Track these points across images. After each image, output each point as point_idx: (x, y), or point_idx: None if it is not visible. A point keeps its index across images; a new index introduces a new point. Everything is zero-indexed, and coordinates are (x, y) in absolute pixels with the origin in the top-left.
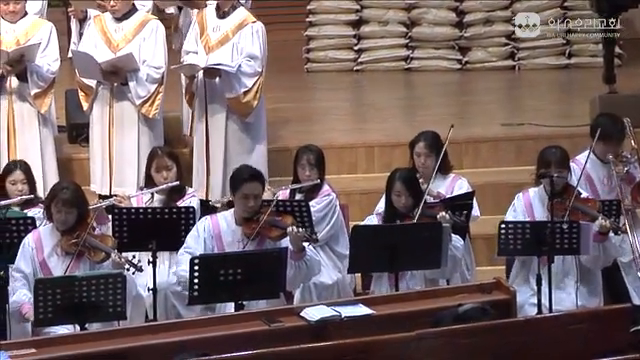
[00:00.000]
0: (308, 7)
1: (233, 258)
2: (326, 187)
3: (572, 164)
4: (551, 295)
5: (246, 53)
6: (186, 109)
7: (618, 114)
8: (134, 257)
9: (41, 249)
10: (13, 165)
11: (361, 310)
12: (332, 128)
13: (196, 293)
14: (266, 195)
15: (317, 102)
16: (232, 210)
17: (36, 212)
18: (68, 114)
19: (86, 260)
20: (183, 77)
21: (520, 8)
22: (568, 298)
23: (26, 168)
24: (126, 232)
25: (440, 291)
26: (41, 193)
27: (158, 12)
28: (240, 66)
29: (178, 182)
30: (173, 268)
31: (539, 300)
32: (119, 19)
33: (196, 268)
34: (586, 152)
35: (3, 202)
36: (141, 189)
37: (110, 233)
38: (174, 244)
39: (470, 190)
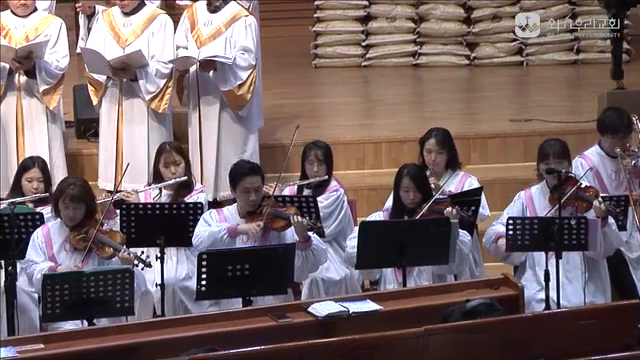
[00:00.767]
0: (316, 3)
1: (241, 254)
2: (334, 183)
3: (580, 159)
4: (559, 291)
5: (240, 46)
6: None
7: (626, 110)
8: (142, 253)
9: (50, 244)
10: (31, 162)
11: (369, 306)
12: (340, 124)
13: (204, 289)
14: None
15: (325, 98)
16: (235, 204)
17: (48, 211)
18: (76, 109)
19: (94, 256)
20: None
21: (528, 4)
22: (576, 294)
23: (43, 166)
24: (134, 227)
25: (448, 287)
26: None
27: (167, 7)
28: (235, 59)
29: (186, 177)
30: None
31: (547, 296)
32: (127, 13)
33: (204, 264)
34: (593, 147)
35: (18, 200)
36: (149, 184)
37: (117, 228)
38: (182, 240)
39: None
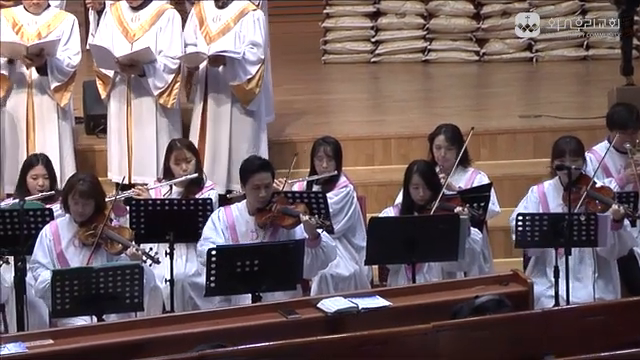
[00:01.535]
0: None
1: (250, 249)
2: (343, 179)
3: (589, 154)
4: (568, 287)
5: (249, 41)
6: None
7: (636, 105)
8: (151, 249)
9: (59, 241)
10: (35, 159)
11: (378, 302)
12: (349, 120)
13: (213, 284)
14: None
15: (334, 94)
16: (245, 201)
17: (57, 208)
18: (85, 105)
19: (103, 252)
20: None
21: (537, 1)
22: (585, 290)
23: (47, 163)
24: (143, 223)
25: (457, 283)
26: (60, 186)
27: (176, 3)
28: (244, 53)
29: (197, 174)
30: (191, 260)
31: (556, 292)
32: (135, 8)
33: (213, 260)
34: (603, 143)
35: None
36: (159, 181)
37: (128, 225)
38: (191, 236)
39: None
